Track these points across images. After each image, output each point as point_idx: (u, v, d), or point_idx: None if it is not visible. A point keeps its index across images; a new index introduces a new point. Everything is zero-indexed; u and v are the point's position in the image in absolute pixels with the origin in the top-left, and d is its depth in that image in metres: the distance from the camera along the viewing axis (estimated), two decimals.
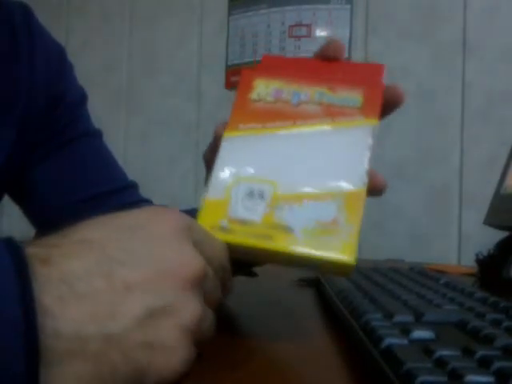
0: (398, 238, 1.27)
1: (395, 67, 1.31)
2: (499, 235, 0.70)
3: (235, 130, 0.34)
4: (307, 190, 0.31)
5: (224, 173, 0.32)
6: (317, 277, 0.56)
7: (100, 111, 1.55)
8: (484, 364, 0.22)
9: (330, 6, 1.36)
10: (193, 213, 0.31)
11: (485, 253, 0.68)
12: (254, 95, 0.35)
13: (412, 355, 0.23)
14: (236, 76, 1.45)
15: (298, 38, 1.37)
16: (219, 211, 0.31)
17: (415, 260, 1.00)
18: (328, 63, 0.37)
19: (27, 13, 0.54)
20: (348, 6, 1.35)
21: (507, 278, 0.61)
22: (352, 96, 0.34)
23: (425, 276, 0.52)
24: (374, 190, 0.34)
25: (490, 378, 0.21)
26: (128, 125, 1.58)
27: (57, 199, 0.55)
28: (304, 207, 0.30)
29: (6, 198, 0.57)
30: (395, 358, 0.23)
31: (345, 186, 0.31)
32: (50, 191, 0.55)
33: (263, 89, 0.36)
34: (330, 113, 0.34)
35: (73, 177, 0.56)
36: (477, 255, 0.69)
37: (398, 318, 0.31)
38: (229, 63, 1.47)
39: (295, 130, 0.34)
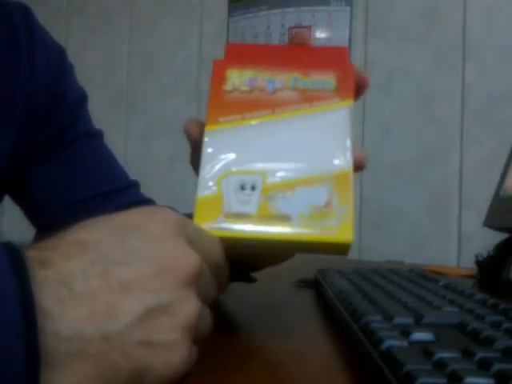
0: (398, 240, 1.27)
1: (395, 69, 1.31)
2: (499, 237, 0.70)
3: (215, 124, 0.34)
4: (297, 176, 0.31)
5: (212, 168, 0.32)
6: (316, 278, 0.56)
7: (100, 111, 1.55)
8: (484, 366, 0.22)
9: (330, 7, 1.36)
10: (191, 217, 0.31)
11: (484, 254, 0.68)
12: (228, 86, 0.35)
13: (412, 357, 0.23)
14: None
15: None
16: (213, 208, 0.31)
17: (415, 261, 1.00)
18: (294, 48, 0.38)
19: (27, 13, 0.54)
20: (348, 8, 1.35)
21: (507, 279, 0.61)
22: (325, 79, 0.35)
23: (424, 278, 0.52)
24: (357, 165, 0.34)
25: (490, 380, 0.21)
26: (128, 125, 1.59)
27: (57, 199, 0.55)
28: (297, 194, 0.31)
29: (7, 199, 0.57)
30: (395, 359, 0.23)
31: (332, 168, 0.31)
32: (51, 191, 0.55)
33: (237, 78, 0.36)
34: (307, 98, 0.34)
35: (73, 177, 0.56)
36: (476, 257, 0.69)
37: (398, 320, 0.31)
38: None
39: (275, 118, 0.34)
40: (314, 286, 0.56)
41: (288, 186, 0.31)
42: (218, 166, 0.32)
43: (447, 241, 1.24)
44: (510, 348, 0.25)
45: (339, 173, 0.31)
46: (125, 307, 0.22)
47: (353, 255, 1.29)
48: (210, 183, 0.32)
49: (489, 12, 1.23)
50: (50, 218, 0.55)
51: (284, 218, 0.30)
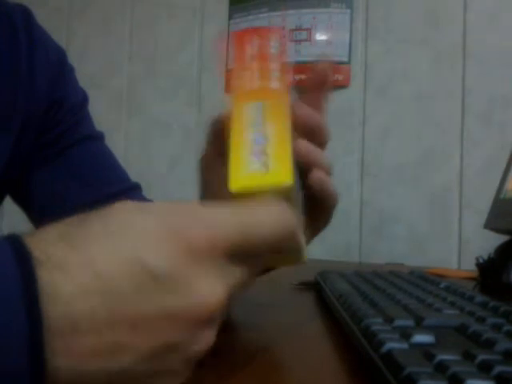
0: (398, 242, 1.27)
1: (395, 71, 1.31)
2: (499, 239, 0.70)
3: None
4: None
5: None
6: (316, 280, 0.56)
7: (101, 113, 1.56)
8: (484, 368, 0.22)
9: (330, 10, 1.36)
10: None
11: (485, 257, 0.68)
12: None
13: (412, 360, 0.23)
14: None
15: (299, 42, 1.37)
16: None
17: (415, 264, 1.00)
18: None
19: (27, 15, 0.54)
20: (348, 11, 1.36)
21: (507, 282, 0.61)
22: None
23: (425, 280, 0.52)
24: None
25: (491, 383, 0.21)
26: (128, 127, 1.59)
27: (58, 202, 0.55)
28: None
29: (7, 200, 0.57)
30: (395, 362, 0.23)
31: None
32: (52, 194, 0.55)
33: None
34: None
35: (75, 179, 0.56)
36: (477, 259, 0.69)
37: (399, 323, 0.31)
38: (229, 67, 1.47)
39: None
40: (315, 288, 0.56)
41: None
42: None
43: (448, 243, 1.24)
44: (510, 350, 0.24)
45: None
46: (131, 347, 0.21)
47: (353, 257, 1.30)
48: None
49: (489, 14, 1.24)
50: (51, 221, 0.55)
51: None
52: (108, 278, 0.20)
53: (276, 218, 0.24)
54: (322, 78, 0.37)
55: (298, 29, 1.37)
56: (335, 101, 1.36)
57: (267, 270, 0.42)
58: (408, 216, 1.27)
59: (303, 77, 1.36)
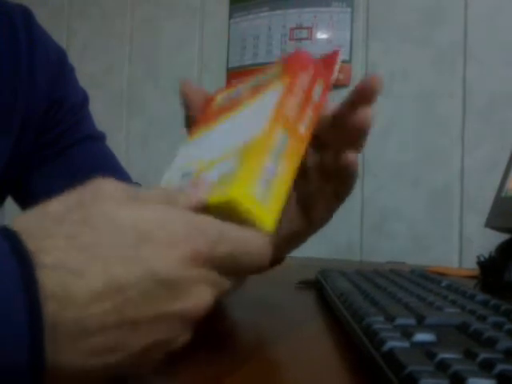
0: (399, 241, 1.27)
1: (396, 70, 1.31)
2: (500, 238, 0.70)
3: (189, 138, 0.36)
4: (219, 155, 0.31)
5: (171, 172, 0.35)
6: (317, 279, 0.56)
7: (101, 113, 1.56)
8: (486, 367, 0.22)
9: (331, 8, 1.36)
10: None
11: (486, 255, 0.68)
12: (214, 106, 0.38)
13: (414, 358, 0.23)
14: (237, 79, 1.45)
15: (299, 40, 1.37)
16: None
17: (416, 262, 1.00)
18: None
19: (28, 15, 0.54)
20: (349, 9, 1.36)
21: (509, 280, 0.61)
22: (274, 70, 0.35)
23: (426, 278, 0.52)
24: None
25: (492, 381, 0.21)
26: (129, 127, 1.59)
27: None
28: (214, 169, 0.30)
29: (8, 201, 0.57)
30: (397, 361, 0.23)
31: (246, 139, 0.31)
32: (53, 194, 0.55)
33: (221, 98, 0.38)
34: (257, 90, 0.35)
35: (75, 179, 0.56)
36: (478, 258, 0.69)
37: (400, 321, 0.31)
38: (230, 66, 1.47)
39: (228, 117, 0.35)
40: (316, 287, 0.56)
41: (210, 164, 0.31)
42: (176, 169, 0.35)
43: (449, 242, 1.24)
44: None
45: (251, 141, 0.30)
46: (127, 344, 0.22)
47: (354, 256, 1.30)
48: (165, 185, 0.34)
49: (490, 13, 1.23)
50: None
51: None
52: (119, 285, 0.21)
53: (262, 246, 0.27)
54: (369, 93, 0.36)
55: (299, 27, 1.37)
56: (336, 100, 1.36)
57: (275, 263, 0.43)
58: (409, 215, 1.27)
59: None
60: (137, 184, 0.61)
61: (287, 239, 0.39)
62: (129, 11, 1.63)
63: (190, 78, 1.54)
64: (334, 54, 0.37)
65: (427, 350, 0.24)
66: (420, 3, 1.30)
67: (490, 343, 0.26)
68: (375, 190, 1.31)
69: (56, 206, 0.24)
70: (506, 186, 0.74)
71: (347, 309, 0.37)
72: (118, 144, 1.53)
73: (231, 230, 0.26)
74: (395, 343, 0.26)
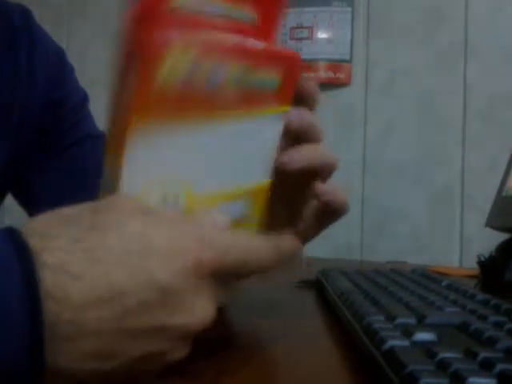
0: (400, 240, 1.27)
1: (397, 69, 1.31)
2: (501, 237, 0.70)
3: (144, 119, 0.26)
4: (220, 189, 0.30)
5: (134, 177, 0.27)
6: (318, 279, 0.56)
7: (102, 113, 1.56)
8: (486, 366, 0.22)
9: (331, 8, 1.36)
10: None
11: (486, 255, 0.68)
12: (163, 73, 0.25)
13: (414, 357, 0.23)
14: None
15: (300, 40, 1.37)
16: None
17: (417, 262, 1.00)
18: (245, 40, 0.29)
19: (27, 15, 0.54)
20: (349, 9, 1.35)
21: (509, 280, 0.61)
22: (270, 78, 0.31)
23: (427, 278, 0.52)
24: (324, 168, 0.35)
25: (493, 381, 0.21)
26: None
27: (59, 201, 0.55)
28: (219, 209, 0.29)
29: (8, 199, 0.57)
30: (397, 360, 0.23)
31: (252, 181, 0.31)
32: (53, 193, 0.55)
33: (177, 62, 0.26)
34: (247, 99, 0.30)
35: (76, 179, 0.56)
36: (478, 257, 0.69)
37: (400, 320, 0.31)
38: None
39: (209, 121, 0.29)
40: (316, 286, 0.56)
41: (212, 200, 0.29)
42: (141, 175, 0.27)
43: (449, 241, 1.24)
44: None
45: (258, 187, 0.31)
46: (123, 353, 0.22)
47: (355, 256, 1.30)
48: (133, 191, 0.27)
49: (491, 12, 1.23)
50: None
51: None
52: (120, 292, 0.21)
53: (271, 252, 0.27)
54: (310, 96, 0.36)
55: (299, 27, 1.37)
56: (336, 99, 1.36)
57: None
58: (409, 214, 1.27)
59: (304, 75, 1.36)
60: None
61: None
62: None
63: None
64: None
65: (428, 350, 0.24)
66: (420, 3, 1.30)
67: (491, 343, 0.26)
68: (376, 189, 1.31)
69: (70, 210, 0.24)
70: (507, 185, 0.74)
71: (348, 308, 0.37)
72: None
73: (240, 239, 0.26)
74: (396, 342, 0.26)
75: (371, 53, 1.34)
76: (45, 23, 0.57)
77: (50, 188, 0.55)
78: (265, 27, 0.31)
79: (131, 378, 0.23)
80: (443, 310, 0.34)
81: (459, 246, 1.23)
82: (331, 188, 0.36)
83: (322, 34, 1.37)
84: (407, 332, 0.28)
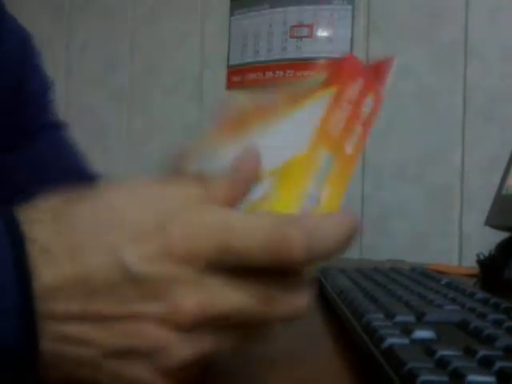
0: (399, 239, 1.27)
1: (397, 67, 1.31)
2: (500, 236, 0.70)
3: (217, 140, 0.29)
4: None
5: None
6: (317, 277, 0.56)
7: (102, 110, 1.56)
8: (485, 364, 0.22)
9: (332, 6, 1.36)
10: None
11: (486, 254, 0.68)
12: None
13: (413, 355, 0.23)
14: (237, 76, 1.45)
15: (300, 38, 1.37)
16: None
17: (416, 260, 1.00)
18: None
19: None
20: (349, 7, 1.35)
21: (508, 278, 0.61)
22: (318, 76, 0.31)
23: (426, 276, 0.52)
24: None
25: (492, 378, 0.21)
26: (129, 123, 1.58)
27: (19, 191, 0.53)
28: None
29: None
30: (397, 357, 0.23)
31: (286, 157, 0.28)
32: (12, 183, 0.53)
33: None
34: (297, 98, 0.30)
35: (37, 169, 0.54)
36: (478, 256, 0.69)
37: (400, 318, 0.31)
38: (230, 63, 1.47)
39: (264, 126, 0.30)
40: (316, 284, 0.56)
41: None
42: None
43: (449, 240, 1.24)
44: (511, 346, 0.25)
45: (291, 161, 0.27)
46: (94, 341, 0.21)
47: (354, 254, 1.29)
48: None
49: (491, 11, 1.23)
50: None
51: None
52: (87, 272, 0.20)
53: (269, 232, 0.21)
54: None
55: (300, 25, 1.37)
56: None
57: None
58: (409, 213, 1.27)
59: (304, 74, 1.36)
60: (99, 177, 0.60)
61: None
62: (129, 8, 1.62)
63: (190, 75, 1.54)
64: (388, 60, 0.33)
65: (427, 347, 0.25)
66: (421, 1, 1.30)
67: (490, 340, 0.26)
68: (375, 187, 1.31)
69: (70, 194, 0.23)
70: (507, 183, 0.74)
71: (347, 306, 0.37)
72: (118, 141, 1.53)
73: (222, 221, 0.21)
74: (395, 340, 0.26)
75: (371, 51, 1.34)
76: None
77: (10, 178, 0.53)
78: (333, 75, 0.30)
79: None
80: (442, 308, 0.34)
81: (459, 244, 1.24)
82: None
83: (322, 32, 1.36)
84: (406, 330, 0.28)
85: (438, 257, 1.19)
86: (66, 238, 0.21)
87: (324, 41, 1.36)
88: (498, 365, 0.22)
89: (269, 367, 0.29)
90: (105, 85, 1.61)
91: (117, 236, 0.21)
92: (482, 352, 0.23)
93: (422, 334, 0.27)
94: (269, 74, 1.39)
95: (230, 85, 1.47)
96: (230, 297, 0.21)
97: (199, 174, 0.24)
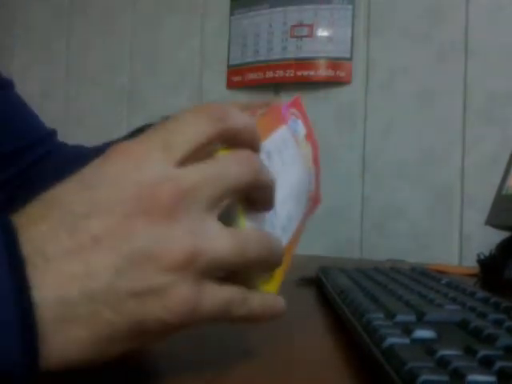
0: (400, 239, 1.27)
1: (397, 67, 1.31)
2: (501, 236, 0.70)
3: None
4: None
5: None
6: (317, 276, 0.56)
7: (102, 110, 1.56)
8: (486, 364, 0.22)
9: (332, 5, 1.36)
10: None
11: (486, 253, 0.68)
12: None
13: (414, 354, 0.23)
14: (237, 76, 1.45)
15: (300, 38, 1.37)
16: None
17: (416, 260, 1.00)
18: None
19: None
20: (350, 6, 1.35)
21: (509, 278, 0.61)
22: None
23: (426, 276, 0.52)
24: None
25: (492, 378, 0.21)
26: (130, 124, 1.59)
27: None
28: None
29: None
30: (397, 357, 0.23)
31: None
32: None
33: None
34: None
35: None
36: (478, 256, 0.69)
37: (400, 318, 0.31)
38: (230, 63, 1.47)
39: None
40: (316, 284, 0.56)
41: None
42: None
43: (449, 240, 1.24)
44: (511, 346, 0.25)
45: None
46: (100, 262, 0.21)
47: (355, 254, 1.29)
48: None
49: (491, 11, 1.23)
50: None
51: None
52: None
53: (240, 162, 0.25)
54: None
55: (300, 25, 1.37)
56: (337, 97, 1.36)
57: None
58: (409, 212, 1.27)
59: (305, 73, 1.36)
60: (52, 130, 0.59)
61: None
62: (129, 8, 1.62)
63: (190, 75, 1.54)
64: (295, 101, 0.35)
65: (427, 347, 0.25)
66: (421, 1, 1.30)
67: (490, 340, 0.26)
68: (375, 188, 1.31)
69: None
70: (507, 183, 0.74)
71: (347, 306, 0.37)
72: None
73: (205, 170, 0.24)
74: (395, 340, 0.26)
75: (372, 51, 1.34)
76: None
77: None
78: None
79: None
80: (443, 308, 0.34)
81: (459, 244, 1.24)
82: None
83: (322, 32, 1.36)
84: (407, 329, 0.28)
85: (439, 256, 1.19)
86: (49, 208, 0.22)
87: (324, 40, 1.36)
88: (499, 364, 0.22)
89: (269, 366, 0.29)
90: (105, 84, 1.61)
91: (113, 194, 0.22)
92: (483, 352, 0.23)
93: (423, 333, 0.27)
94: (269, 74, 1.39)
95: (230, 85, 1.47)
96: (210, 229, 0.23)
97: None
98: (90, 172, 0.23)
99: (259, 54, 1.41)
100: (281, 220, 0.31)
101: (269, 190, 0.27)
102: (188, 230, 0.22)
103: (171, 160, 0.23)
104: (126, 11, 1.62)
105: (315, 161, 0.35)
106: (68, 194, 0.22)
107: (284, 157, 0.31)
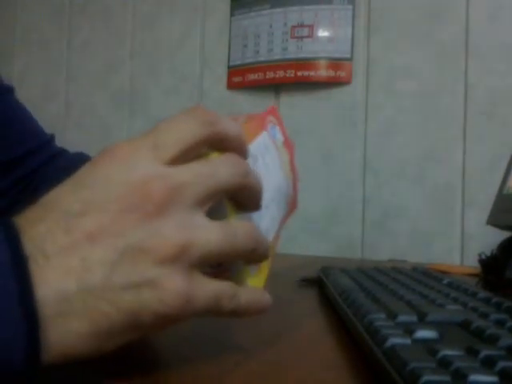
0: (401, 238, 1.27)
1: (397, 67, 1.30)
2: (502, 235, 0.70)
3: None
4: None
5: None
6: (319, 276, 0.56)
7: (102, 111, 1.56)
8: (488, 364, 0.22)
9: (332, 6, 1.36)
10: None
11: (488, 253, 0.68)
12: None
13: (416, 355, 0.23)
14: (238, 76, 1.45)
15: (301, 38, 1.37)
16: None
17: (417, 260, 1.00)
18: None
19: None
20: (350, 7, 1.35)
21: (510, 278, 0.61)
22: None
23: (428, 276, 0.52)
24: None
25: (494, 378, 0.21)
26: (130, 124, 1.59)
27: None
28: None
29: None
30: (399, 357, 0.23)
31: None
32: None
33: None
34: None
35: None
36: (479, 255, 0.69)
37: (402, 318, 0.31)
38: (231, 63, 1.47)
39: None
40: (317, 284, 0.56)
41: None
42: None
43: (450, 239, 1.24)
44: None
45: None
46: (96, 257, 0.22)
47: (356, 254, 1.29)
48: None
49: (492, 10, 1.23)
50: None
51: None
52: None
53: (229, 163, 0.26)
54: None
55: (300, 25, 1.37)
56: (338, 98, 1.36)
57: None
58: (410, 212, 1.27)
59: (305, 74, 1.36)
60: (51, 135, 0.60)
61: None
62: (130, 8, 1.62)
63: (190, 75, 1.54)
64: (271, 111, 0.36)
65: (429, 347, 0.24)
66: (421, 1, 1.30)
67: (492, 340, 0.26)
68: (376, 187, 1.30)
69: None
70: (508, 183, 0.74)
71: (349, 306, 0.37)
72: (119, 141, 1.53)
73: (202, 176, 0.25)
74: (397, 340, 0.26)
75: (372, 51, 1.34)
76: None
77: None
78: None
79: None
80: (444, 308, 0.34)
81: (460, 244, 1.23)
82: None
83: (322, 33, 1.36)
84: (408, 330, 0.28)
85: (440, 256, 1.19)
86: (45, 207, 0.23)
87: (325, 41, 1.36)
88: (501, 365, 0.22)
89: (269, 366, 0.28)
90: (105, 85, 1.61)
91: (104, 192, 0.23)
92: (485, 352, 0.23)
93: (424, 333, 0.27)
94: (269, 75, 1.39)
95: (231, 85, 1.47)
96: (201, 223, 0.24)
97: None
98: (83, 173, 0.24)
99: (260, 55, 1.41)
100: (265, 222, 0.32)
101: (256, 191, 0.28)
102: (178, 224, 0.23)
103: (160, 159, 0.24)
104: (127, 11, 1.62)
105: (292, 167, 0.36)
106: (63, 195, 0.23)
107: (266, 161, 0.33)
